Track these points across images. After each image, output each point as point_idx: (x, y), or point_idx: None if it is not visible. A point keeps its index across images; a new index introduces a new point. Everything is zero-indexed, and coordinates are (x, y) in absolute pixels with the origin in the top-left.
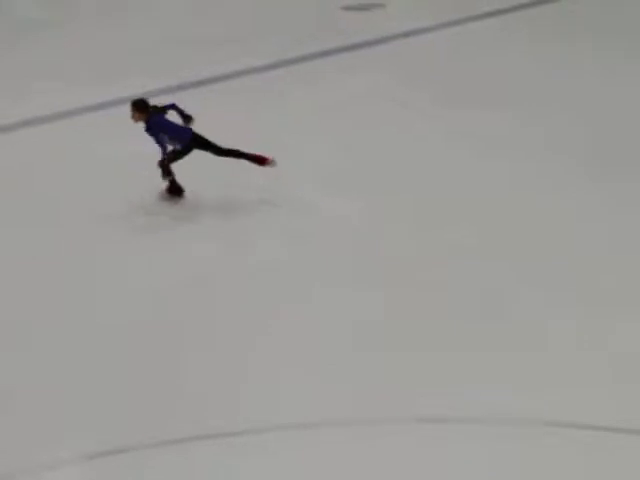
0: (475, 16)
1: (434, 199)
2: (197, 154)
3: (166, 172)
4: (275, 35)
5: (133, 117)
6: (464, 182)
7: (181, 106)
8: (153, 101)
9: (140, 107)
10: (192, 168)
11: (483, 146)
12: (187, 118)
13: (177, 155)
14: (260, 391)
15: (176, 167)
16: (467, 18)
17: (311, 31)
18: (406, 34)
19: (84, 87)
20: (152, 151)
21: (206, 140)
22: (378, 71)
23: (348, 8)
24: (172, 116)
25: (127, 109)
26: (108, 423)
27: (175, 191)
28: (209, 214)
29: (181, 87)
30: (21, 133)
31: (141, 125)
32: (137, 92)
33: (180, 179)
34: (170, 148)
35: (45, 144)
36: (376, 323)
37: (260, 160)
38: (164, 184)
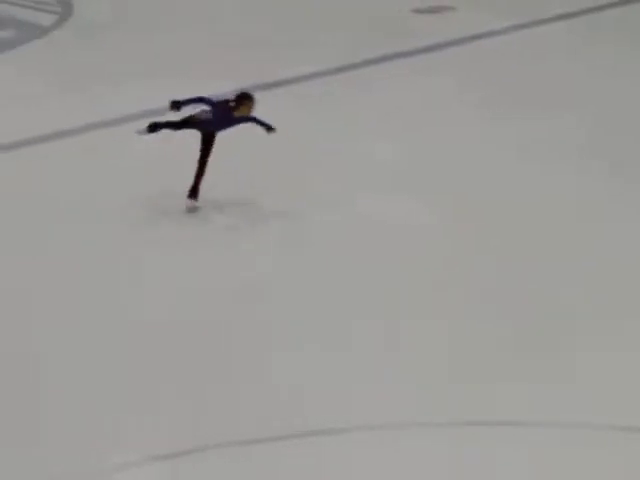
0: (546, 19)
1: (504, 202)
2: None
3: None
4: (345, 38)
5: (244, 109)
6: (533, 185)
7: None
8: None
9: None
10: (250, 172)
11: (553, 149)
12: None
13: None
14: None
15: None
16: (538, 21)
17: (381, 34)
18: (477, 37)
19: (139, 90)
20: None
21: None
22: (449, 74)
23: (418, 11)
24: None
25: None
26: (175, 424)
27: (196, 195)
28: (275, 217)
29: (259, 87)
30: (87, 136)
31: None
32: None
33: (244, 183)
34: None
35: (104, 148)
36: (439, 326)
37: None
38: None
